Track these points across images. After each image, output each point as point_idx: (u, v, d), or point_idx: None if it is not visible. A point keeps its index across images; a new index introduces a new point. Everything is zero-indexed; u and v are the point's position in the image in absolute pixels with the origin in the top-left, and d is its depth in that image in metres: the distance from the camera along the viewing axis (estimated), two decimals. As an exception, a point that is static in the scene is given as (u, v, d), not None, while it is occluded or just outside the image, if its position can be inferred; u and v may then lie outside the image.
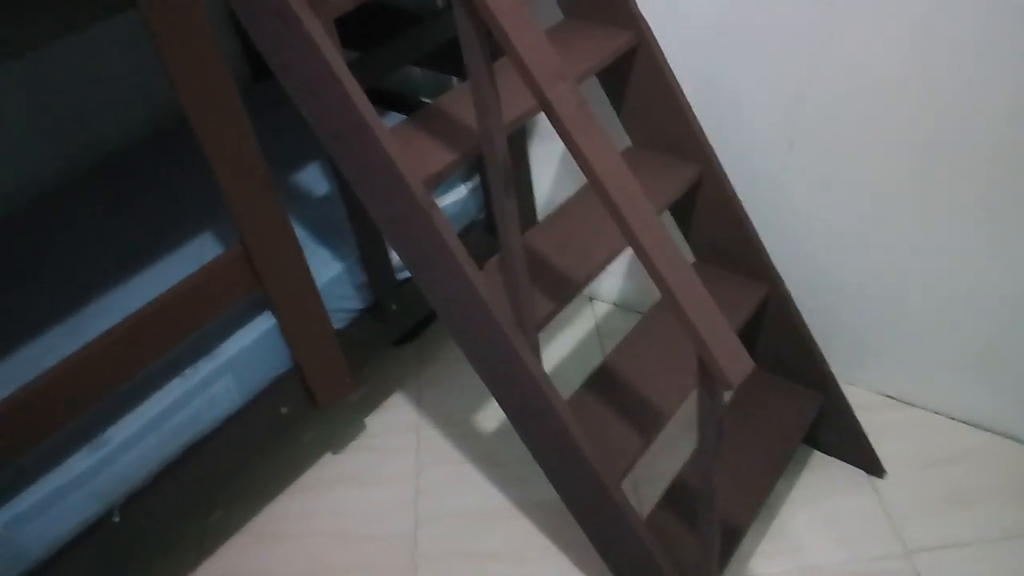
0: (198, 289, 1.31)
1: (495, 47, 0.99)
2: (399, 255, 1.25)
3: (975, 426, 1.66)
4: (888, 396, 1.75)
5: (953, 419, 1.68)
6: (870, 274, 1.61)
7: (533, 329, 1.23)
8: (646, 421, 1.34)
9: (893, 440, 1.65)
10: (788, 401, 1.60)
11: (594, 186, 0.96)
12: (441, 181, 1.21)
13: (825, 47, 1.40)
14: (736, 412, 1.60)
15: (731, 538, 1.40)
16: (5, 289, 1.57)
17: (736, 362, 0.96)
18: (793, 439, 1.53)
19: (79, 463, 1.25)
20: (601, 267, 1.35)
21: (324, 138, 1.20)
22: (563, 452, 1.27)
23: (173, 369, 1.37)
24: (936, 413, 1.70)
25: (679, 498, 1.47)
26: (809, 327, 1.57)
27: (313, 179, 1.77)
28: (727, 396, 1.64)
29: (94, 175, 1.88)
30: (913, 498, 1.55)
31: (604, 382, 1.42)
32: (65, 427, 1.21)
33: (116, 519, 1.30)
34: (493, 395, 1.32)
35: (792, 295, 1.68)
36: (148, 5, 1.08)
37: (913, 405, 1.72)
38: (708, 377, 0.99)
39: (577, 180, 1.92)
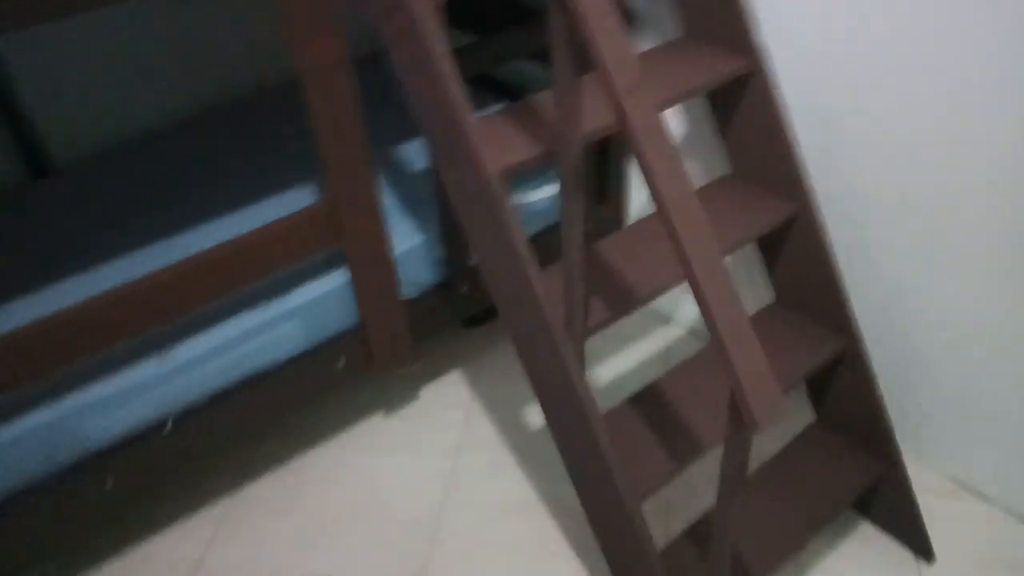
0: (282, 234, 1.39)
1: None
2: (468, 235, 1.29)
3: (1047, 534, 1.53)
4: (959, 483, 1.63)
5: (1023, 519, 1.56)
6: (960, 352, 1.51)
7: (581, 334, 1.23)
8: (682, 448, 1.31)
9: (953, 529, 1.55)
10: (845, 464, 1.52)
11: (655, 199, 0.95)
12: (518, 173, 1.23)
13: (954, 102, 1.32)
14: (787, 463, 1.54)
15: (747, 587, 1.36)
16: (120, 207, 1.72)
17: (768, 405, 0.93)
18: (839, 503, 1.46)
19: (146, 371, 1.36)
20: (666, 287, 1.33)
21: (416, 113, 1.24)
22: (589, 460, 1.27)
23: (246, 304, 1.47)
24: (1008, 512, 1.57)
25: (703, 534, 1.43)
26: (888, 393, 1.49)
27: (413, 155, 1.84)
28: (772, 443, 1.58)
29: (223, 115, 2.02)
30: (959, 594, 1.45)
31: (649, 401, 1.40)
32: (141, 334, 1.31)
33: (168, 428, 1.40)
34: (533, 389, 1.33)
35: (873, 356, 1.61)
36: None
37: (984, 497, 1.60)
38: (737, 415, 0.97)
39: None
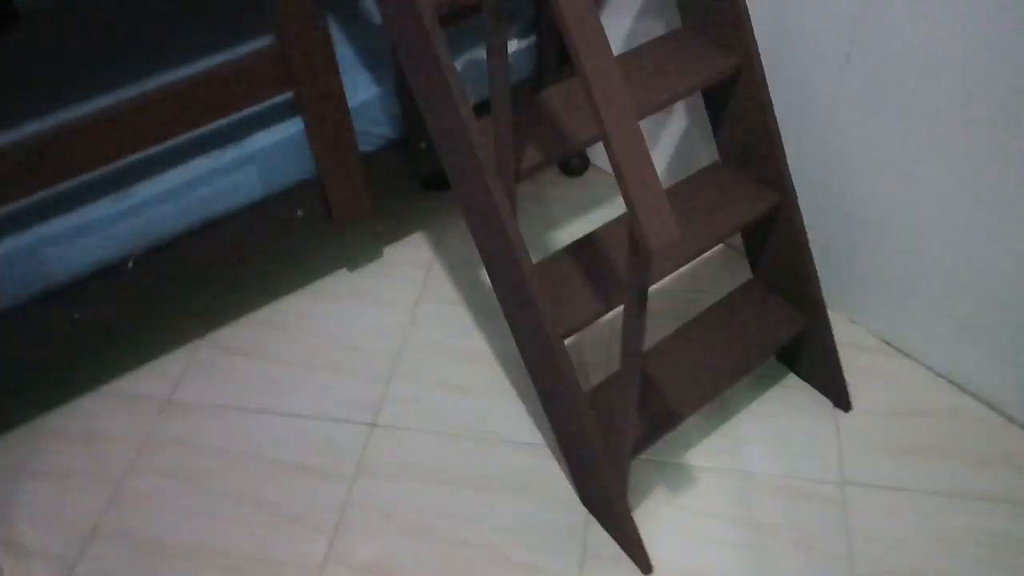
0: (233, 75, 1.43)
1: None
2: (407, 77, 1.32)
3: (958, 386, 1.62)
4: (886, 342, 1.72)
5: (940, 376, 1.65)
6: (895, 213, 1.56)
7: (511, 175, 1.28)
8: (610, 293, 1.39)
9: (874, 382, 1.65)
10: (771, 316, 1.60)
11: (560, 27, 0.98)
12: (451, 10, 1.25)
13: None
14: (719, 314, 1.62)
15: (669, 420, 1.46)
16: (85, 54, 1.74)
17: (662, 231, 0.99)
18: (763, 351, 1.55)
19: (105, 208, 1.43)
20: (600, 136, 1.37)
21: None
22: (518, 299, 1.34)
23: (203, 148, 1.52)
24: (928, 368, 1.66)
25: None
26: (825, 254, 1.55)
27: (374, 9, 1.84)
28: (710, 299, 1.66)
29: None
30: (868, 437, 1.56)
31: (585, 249, 1.46)
32: (98, 169, 1.37)
33: (130, 266, 1.49)
34: (472, 235, 1.39)
35: (813, 219, 1.65)
36: None
37: (907, 355, 1.69)
38: (635, 243, 1.03)
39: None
